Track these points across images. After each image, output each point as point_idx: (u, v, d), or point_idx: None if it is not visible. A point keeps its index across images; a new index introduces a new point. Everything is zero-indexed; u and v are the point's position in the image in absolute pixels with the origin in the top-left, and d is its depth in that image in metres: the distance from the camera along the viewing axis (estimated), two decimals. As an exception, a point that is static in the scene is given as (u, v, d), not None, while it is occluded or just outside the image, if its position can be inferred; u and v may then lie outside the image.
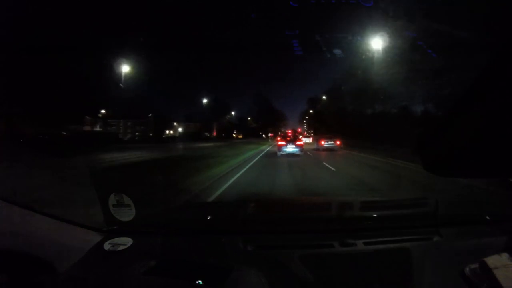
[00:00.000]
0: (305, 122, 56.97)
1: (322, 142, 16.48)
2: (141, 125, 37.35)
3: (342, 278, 0.92)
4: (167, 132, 38.64)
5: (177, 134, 38.12)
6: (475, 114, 0.53)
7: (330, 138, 16.88)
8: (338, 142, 16.59)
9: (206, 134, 42.80)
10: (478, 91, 0.52)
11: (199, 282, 0.88)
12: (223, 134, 47.31)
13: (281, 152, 12.47)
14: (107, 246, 1.07)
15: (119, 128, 36.82)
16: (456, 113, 0.57)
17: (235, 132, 53.34)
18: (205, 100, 33.99)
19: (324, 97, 33.76)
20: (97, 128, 30.87)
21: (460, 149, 0.57)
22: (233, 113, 48.41)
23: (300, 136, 18.74)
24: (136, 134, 36.51)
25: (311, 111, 45.46)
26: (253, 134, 47.87)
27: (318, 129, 38.24)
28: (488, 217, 1.31)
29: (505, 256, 0.78)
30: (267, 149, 17.69)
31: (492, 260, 0.77)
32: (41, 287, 0.91)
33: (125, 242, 1.09)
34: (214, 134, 45.82)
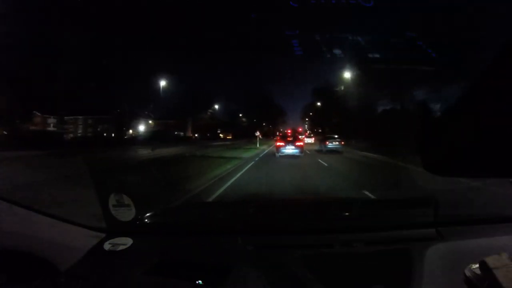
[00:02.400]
0: (307, 120, 51.04)
1: (327, 143, 16.17)
2: (105, 123, 30.64)
3: (342, 278, 0.92)
4: (131, 131, 31.21)
5: (139, 134, 30.49)
6: (475, 115, 0.53)
7: (334, 139, 16.49)
8: (342, 143, 16.31)
9: (180, 133, 35.16)
10: (478, 91, 0.52)
11: (199, 282, 0.88)
12: (208, 134, 38.51)
13: (279, 153, 12.27)
14: (107, 246, 1.07)
15: (77, 127, 30.89)
16: (456, 114, 0.57)
17: (219, 131, 43.47)
18: (163, 83, 23.21)
19: (347, 75, 21.99)
20: (51, 127, 26.30)
21: (460, 149, 0.57)
22: (216, 106, 37.99)
23: (302, 136, 18.48)
24: (90, 133, 30.39)
25: (318, 104, 36.80)
26: (246, 133, 37.33)
27: (324, 127, 33.84)
28: (488, 217, 1.31)
29: (505, 256, 0.78)
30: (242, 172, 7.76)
31: (492, 260, 0.77)
32: (41, 287, 0.91)
33: (125, 242, 1.09)
34: (190, 134, 36.44)
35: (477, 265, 0.82)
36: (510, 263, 0.76)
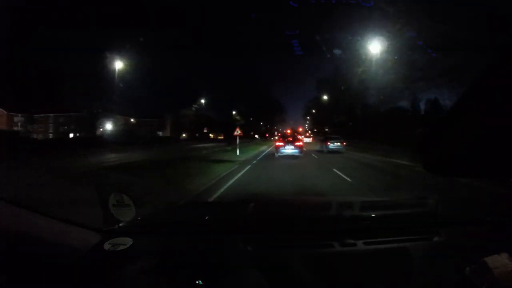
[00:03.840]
0: (308, 119, 48.97)
1: (328, 143, 15.96)
2: (76, 122, 27.25)
3: (342, 278, 0.92)
4: (102, 130, 26.27)
5: (107, 134, 24.85)
6: (476, 114, 0.53)
7: (336, 139, 16.29)
8: (344, 144, 16.10)
9: (158, 133, 30.45)
10: (479, 91, 0.52)
11: (199, 282, 0.88)
12: (196, 134, 32.62)
13: (279, 154, 12.12)
14: (107, 246, 1.07)
15: (47, 126, 28.15)
16: (457, 113, 0.57)
17: (206, 130, 37.28)
18: (119, 66, 16.82)
19: (376, 49, 14.78)
20: (18, 127, 24.04)
21: (460, 149, 0.57)
22: (202, 101, 30.40)
23: (302, 137, 18.29)
24: (60, 133, 27.21)
25: (324, 97, 31.98)
26: (242, 133, 32.74)
27: (330, 125, 31.45)
28: (488, 217, 1.31)
29: (505, 256, 0.78)
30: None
31: (492, 260, 0.77)
32: (41, 287, 0.91)
33: (125, 242, 1.09)
34: (169, 134, 30.17)
35: (477, 265, 0.82)
36: (510, 263, 0.76)
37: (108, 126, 24.88)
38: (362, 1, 9.17)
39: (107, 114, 24.56)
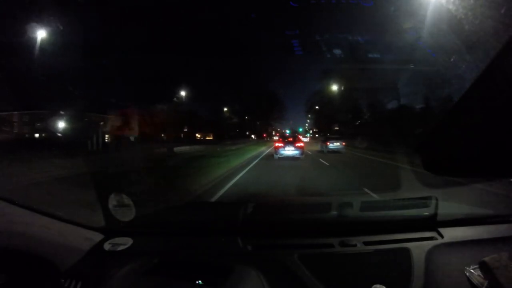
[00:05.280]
0: (309, 117, 45.91)
1: (328, 143, 15.93)
2: (43, 120, 23.81)
3: (342, 278, 0.92)
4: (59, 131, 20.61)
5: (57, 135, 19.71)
6: (475, 115, 0.53)
7: (336, 139, 16.29)
8: (344, 144, 16.03)
9: (129, 136, 24.33)
10: (478, 91, 0.52)
11: (199, 282, 0.88)
12: (182, 135, 27.01)
13: (278, 155, 11.71)
14: (107, 246, 1.07)
15: (12, 125, 24.66)
16: (457, 114, 0.57)
17: (186, 129, 30.51)
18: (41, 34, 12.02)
19: None
20: None
21: (460, 149, 0.57)
22: (183, 93, 24.35)
23: (301, 137, 18.31)
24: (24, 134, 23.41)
25: (333, 88, 27.10)
26: (235, 134, 28.72)
27: (339, 123, 28.92)
28: (488, 217, 1.30)
29: (505, 256, 0.78)
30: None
31: (492, 260, 0.78)
32: (41, 287, 0.91)
33: (125, 242, 1.09)
34: (137, 133, 22.35)
35: (477, 265, 0.82)
36: (510, 263, 0.76)
37: (61, 125, 19.76)
38: (362, 1, 9.16)
39: (73, 111, 19.77)
